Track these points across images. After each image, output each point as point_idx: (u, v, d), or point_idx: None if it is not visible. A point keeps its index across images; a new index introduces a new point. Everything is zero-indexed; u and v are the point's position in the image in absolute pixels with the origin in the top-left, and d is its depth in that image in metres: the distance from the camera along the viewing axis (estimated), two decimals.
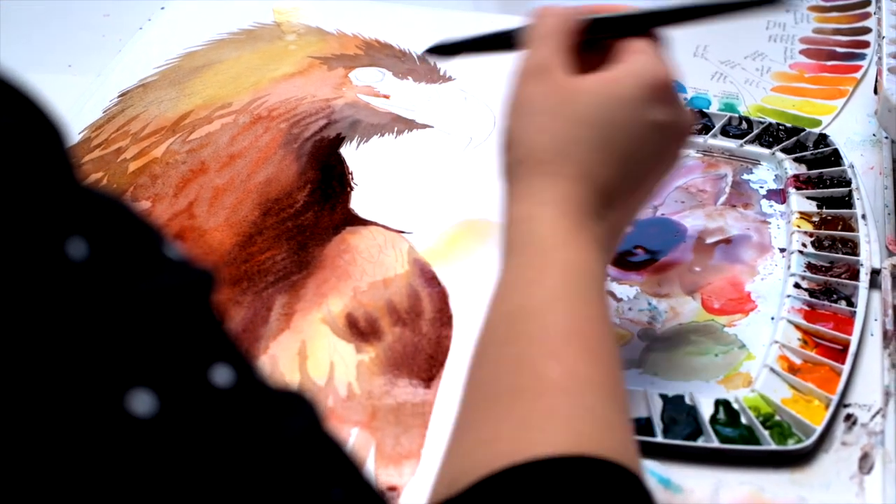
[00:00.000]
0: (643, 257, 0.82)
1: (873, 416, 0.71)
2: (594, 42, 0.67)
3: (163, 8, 1.04)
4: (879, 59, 0.84)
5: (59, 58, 1.01)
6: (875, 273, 0.79)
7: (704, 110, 0.95)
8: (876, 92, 0.96)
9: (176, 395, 0.35)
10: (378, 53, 0.96)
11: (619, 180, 0.61)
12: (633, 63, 0.63)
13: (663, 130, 0.62)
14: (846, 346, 0.74)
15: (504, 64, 0.94)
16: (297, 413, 0.40)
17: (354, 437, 0.67)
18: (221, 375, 0.36)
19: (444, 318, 0.74)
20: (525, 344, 0.54)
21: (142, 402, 0.34)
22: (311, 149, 0.86)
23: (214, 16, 1.01)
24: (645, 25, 0.67)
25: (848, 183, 0.87)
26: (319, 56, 0.95)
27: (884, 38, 0.84)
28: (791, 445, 0.68)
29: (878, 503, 0.66)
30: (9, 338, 0.32)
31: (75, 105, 0.92)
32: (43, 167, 0.35)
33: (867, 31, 1.05)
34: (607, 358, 0.55)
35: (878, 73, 0.94)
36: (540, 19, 0.66)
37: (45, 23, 1.05)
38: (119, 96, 0.93)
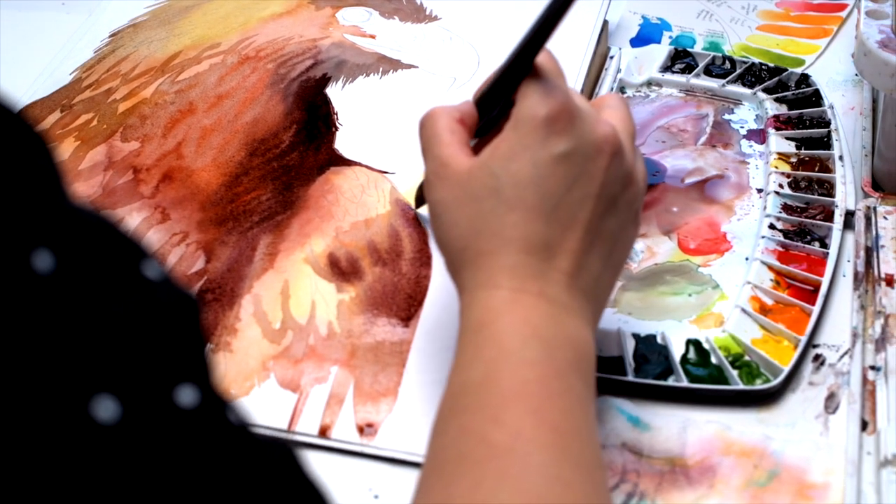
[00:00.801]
0: None
1: (841, 357, 0.73)
2: (499, 114, 0.64)
3: None
4: (860, 3, 0.85)
5: None
6: (849, 214, 0.81)
7: (689, 49, 0.96)
8: None
9: (138, 407, 0.35)
10: None
11: (550, 228, 0.59)
12: (514, 115, 0.61)
13: (571, 158, 0.59)
14: (818, 287, 0.76)
15: (489, 5, 0.96)
16: (263, 454, 0.40)
17: (334, 376, 0.69)
18: (186, 395, 0.37)
19: (423, 258, 0.76)
20: (468, 414, 0.55)
21: (105, 409, 0.35)
22: (298, 89, 0.88)
23: None
24: (520, 69, 0.62)
25: (827, 124, 0.88)
26: None
27: None
28: (758, 385, 0.70)
29: (841, 442, 0.68)
30: None
31: (67, 44, 0.94)
32: (16, 177, 0.35)
33: None
34: (557, 415, 0.55)
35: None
36: (425, 122, 0.65)
37: None
38: (110, 36, 0.94)
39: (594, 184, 0.60)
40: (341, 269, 0.75)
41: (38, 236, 0.35)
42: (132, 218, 0.79)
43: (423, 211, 0.76)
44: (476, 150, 0.63)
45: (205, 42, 0.92)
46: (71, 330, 0.35)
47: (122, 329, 0.36)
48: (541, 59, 0.62)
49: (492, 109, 0.65)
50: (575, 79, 0.89)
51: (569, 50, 0.92)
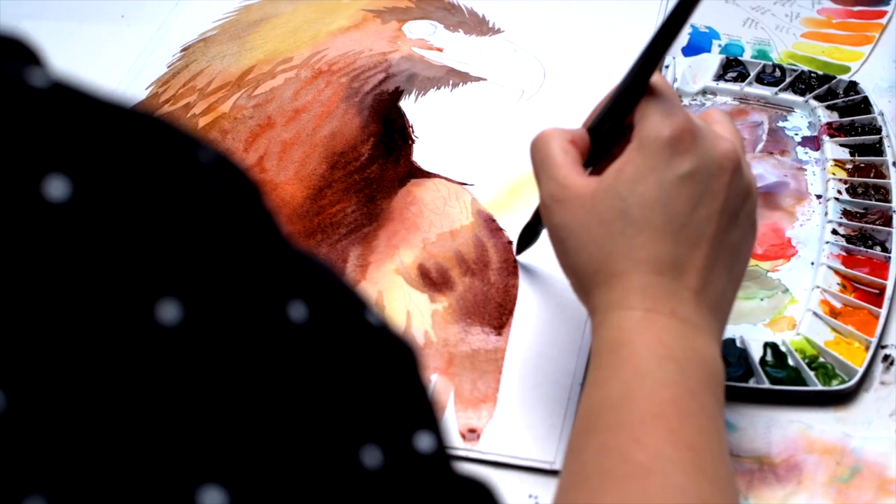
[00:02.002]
0: None
1: None
2: (612, 137, 0.66)
3: None
4: None
5: (112, 8, 1.05)
6: None
7: (739, 58, 0.99)
8: None
9: (395, 454, 0.37)
10: (428, 6, 1.00)
11: (678, 247, 0.61)
12: (636, 135, 0.62)
13: (696, 177, 0.61)
14: (882, 290, 0.80)
15: (550, 15, 0.99)
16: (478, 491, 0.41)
17: (434, 384, 0.73)
18: (424, 442, 0.38)
19: (509, 267, 0.79)
20: (608, 432, 0.57)
21: (371, 457, 0.36)
22: (372, 102, 0.91)
23: None
24: (636, 90, 0.64)
25: (878, 130, 0.92)
26: (372, 9, 0.99)
27: None
28: (836, 386, 0.74)
29: None
30: (239, 393, 0.34)
31: (138, 59, 0.97)
32: (261, 232, 0.37)
33: None
34: (693, 435, 0.56)
35: None
36: (536, 145, 0.66)
37: None
38: (181, 51, 0.97)
39: (718, 200, 0.61)
40: (432, 280, 0.78)
41: (292, 288, 0.37)
42: None
43: (523, 259, 0.79)
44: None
45: (277, 56, 0.95)
46: (328, 379, 0.36)
47: (369, 377, 0.38)
48: (655, 78, 0.63)
49: (604, 134, 0.66)
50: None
51: (628, 59, 0.95)
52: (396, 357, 0.40)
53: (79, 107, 0.35)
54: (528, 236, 0.77)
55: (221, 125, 0.89)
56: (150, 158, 0.35)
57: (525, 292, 0.78)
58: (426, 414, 0.40)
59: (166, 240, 0.34)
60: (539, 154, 0.65)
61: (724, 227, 0.62)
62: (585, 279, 0.62)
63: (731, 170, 0.62)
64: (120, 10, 1.04)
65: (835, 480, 0.70)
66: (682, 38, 1.03)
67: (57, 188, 0.32)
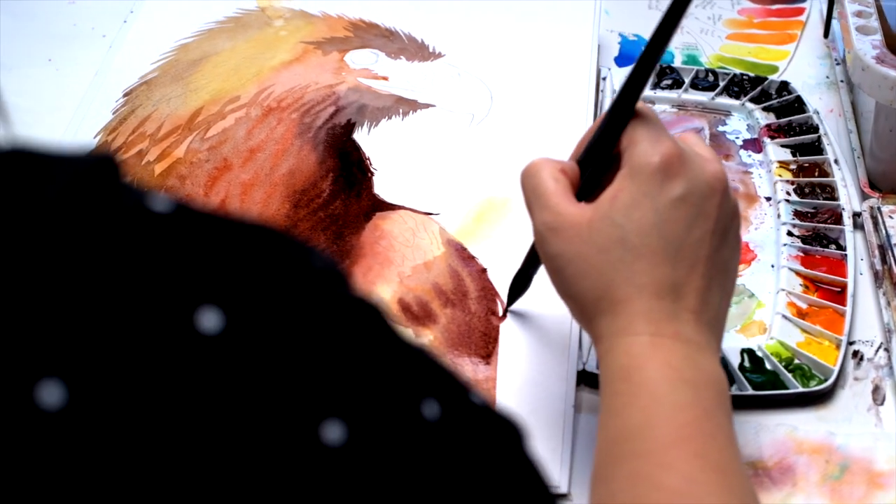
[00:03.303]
0: None
1: (877, 351, 0.80)
2: (602, 167, 0.67)
3: None
4: (839, 14, 0.92)
5: (37, 51, 1.03)
6: (856, 216, 0.88)
7: (672, 65, 1.02)
8: (826, 36, 1.05)
9: None
10: (367, 34, 1.00)
11: (676, 269, 0.62)
12: (626, 162, 0.63)
13: (688, 199, 0.62)
14: (843, 287, 0.83)
15: (489, 37, 1.01)
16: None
17: None
18: None
19: (488, 294, 0.81)
20: (635, 460, 0.58)
21: None
22: (326, 137, 0.91)
23: (196, 3, 1.04)
24: (622, 117, 0.65)
25: (816, 129, 0.95)
26: (311, 41, 1.00)
27: None
28: (815, 387, 0.77)
29: (894, 432, 0.76)
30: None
31: (81, 107, 0.95)
32: (389, 331, 0.39)
33: None
34: (717, 455, 0.58)
35: (828, 18, 1.03)
36: (527, 175, 0.66)
37: (13, 14, 1.06)
38: (124, 96, 0.96)
39: (710, 221, 0.63)
40: (414, 314, 0.79)
41: (425, 387, 0.38)
42: None
43: (516, 307, 0.79)
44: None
45: (224, 95, 0.95)
46: (455, 468, 0.38)
47: (483, 458, 0.39)
48: (638, 105, 0.65)
49: (594, 165, 0.67)
50: (585, 104, 0.95)
51: (570, 74, 0.98)
52: (504, 435, 0.41)
53: (206, 230, 0.35)
54: (520, 284, 0.78)
55: (178, 171, 0.89)
56: (286, 278, 0.35)
57: (506, 321, 0.79)
58: (537, 485, 0.41)
59: (321, 361, 0.35)
60: (530, 184, 0.66)
61: (717, 247, 0.64)
62: (587, 307, 0.64)
63: (721, 190, 0.64)
64: (46, 55, 1.02)
65: (827, 479, 0.73)
66: (612, 48, 1.05)
67: (210, 320, 0.33)
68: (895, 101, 0.85)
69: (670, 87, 1.00)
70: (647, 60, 0.65)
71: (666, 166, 0.62)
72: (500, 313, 0.80)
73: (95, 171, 0.35)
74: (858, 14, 0.90)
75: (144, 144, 0.91)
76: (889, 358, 0.79)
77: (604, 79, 1.00)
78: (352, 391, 0.35)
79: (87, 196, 0.34)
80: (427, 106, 0.95)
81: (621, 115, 0.65)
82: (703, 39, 1.06)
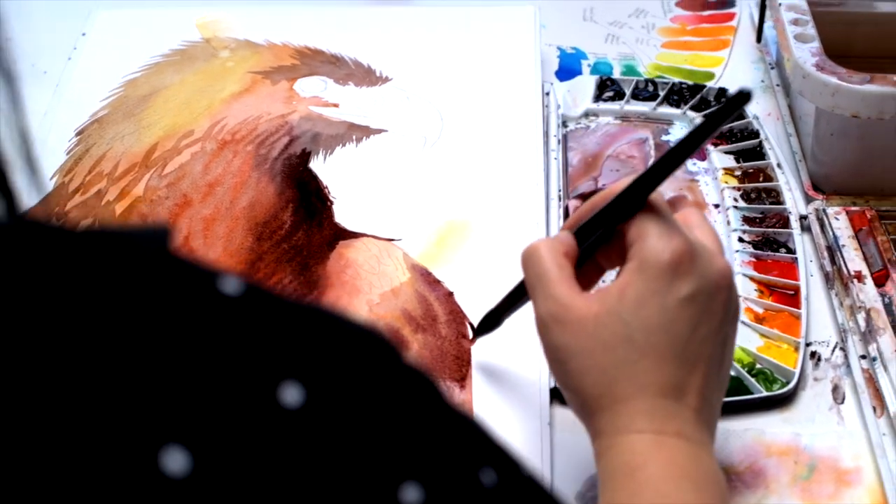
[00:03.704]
0: None
1: (833, 351, 0.83)
2: (598, 244, 0.67)
3: (84, 34, 1.07)
4: (775, 21, 0.95)
5: None
6: (803, 218, 0.91)
7: (612, 77, 1.04)
8: (759, 41, 1.08)
9: None
10: (313, 61, 1.02)
11: (680, 369, 0.62)
12: (635, 257, 0.63)
13: (696, 298, 0.62)
14: (796, 290, 0.86)
15: (433, 59, 1.02)
16: None
17: None
18: None
19: (456, 318, 0.82)
20: None
21: None
22: (283, 167, 0.92)
23: (139, 36, 1.04)
24: (633, 204, 0.64)
25: (756, 134, 0.98)
26: (259, 71, 1.01)
27: (780, 4, 0.95)
28: (778, 390, 0.80)
29: (856, 428, 0.79)
30: None
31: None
32: (442, 404, 0.41)
33: None
34: None
35: (760, 23, 1.06)
36: (529, 259, 0.66)
37: None
38: (76, 135, 0.96)
39: (716, 320, 0.63)
40: None
41: (483, 455, 0.40)
42: None
43: (481, 340, 0.80)
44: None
45: (177, 131, 0.95)
46: None
47: None
48: (653, 195, 0.64)
49: (591, 238, 0.67)
50: (534, 121, 0.97)
51: (517, 91, 1.00)
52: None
53: (276, 311, 0.37)
54: (490, 324, 0.78)
55: (139, 209, 0.90)
56: (353, 352, 0.38)
57: (477, 344, 0.81)
58: None
59: (394, 429, 0.37)
60: (533, 270, 0.65)
61: (720, 343, 0.64)
62: (588, 402, 0.63)
63: (727, 287, 0.64)
64: None
65: (797, 479, 0.76)
66: (552, 62, 1.08)
67: (291, 395, 0.35)
68: (836, 107, 0.88)
69: (613, 99, 1.03)
70: (674, 157, 0.64)
71: (676, 264, 0.61)
72: (470, 337, 0.81)
73: (163, 248, 0.37)
74: (795, 22, 0.93)
75: (103, 184, 0.92)
76: (845, 357, 0.83)
77: (547, 94, 1.03)
78: (424, 456, 0.37)
79: (168, 280, 0.36)
80: (379, 131, 0.96)
81: (632, 204, 0.64)
82: (640, 49, 1.09)
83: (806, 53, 0.90)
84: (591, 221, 0.67)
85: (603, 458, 0.63)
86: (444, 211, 0.90)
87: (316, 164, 0.93)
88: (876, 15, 1.02)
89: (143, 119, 0.97)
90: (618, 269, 0.67)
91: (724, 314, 0.63)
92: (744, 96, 0.60)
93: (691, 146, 0.63)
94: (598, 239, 0.67)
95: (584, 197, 0.94)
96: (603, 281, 0.73)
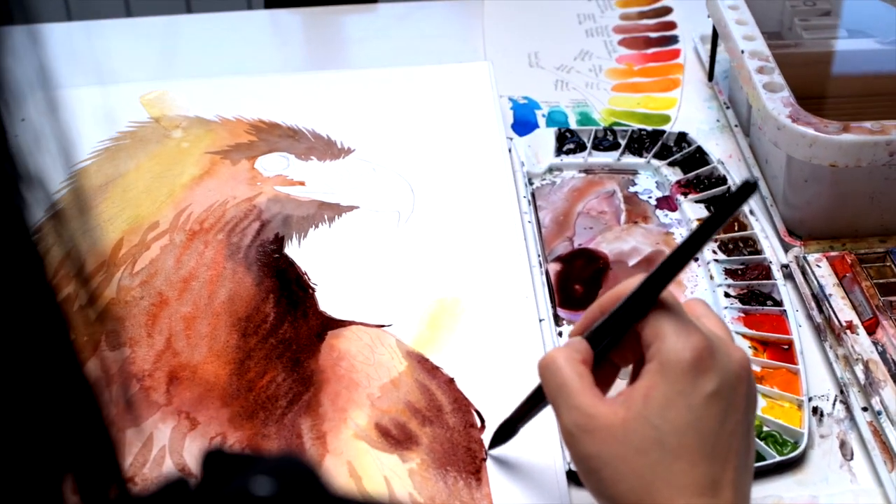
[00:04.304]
0: (583, 295, 0.91)
1: (833, 405, 0.84)
2: (612, 346, 0.67)
3: (23, 120, 1.02)
4: (737, 66, 0.95)
5: None
6: (784, 267, 0.92)
7: (570, 129, 1.03)
8: (710, 79, 1.08)
9: None
10: (270, 136, 0.99)
11: (713, 466, 0.61)
12: (655, 358, 0.62)
13: (721, 393, 0.62)
14: (790, 343, 0.86)
15: (394, 125, 1.00)
16: None
17: None
18: None
19: (461, 406, 0.81)
20: None
21: None
22: (257, 255, 0.90)
23: (83, 119, 1.00)
24: (644, 304, 0.64)
25: (724, 180, 0.98)
26: (217, 151, 0.97)
27: (743, 52, 0.95)
28: (790, 453, 0.80)
29: (869, 485, 0.79)
30: None
31: None
32: None
33: (668, 10, 1.16)
34: None
35: (711, 61, 1.06)
36: (547, 370, 0.65)
37: None
38: (33, 234, 0.92)
39: (740, 412, 0.63)
40: (395, 438, 0.79)
41: None
42: (162, 430, 0.80)
43: (496, 452, 0.78)
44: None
45: (141, 223, 0.92)
46: None
47: None
48: (664, 293, 0.64)
49: (605, 341, 0.66)
50: (505, 182, 0.95)
51: (482, 152, 0.98)
52: None
53: None
54: (505, 433, 0.77)
55: (114, 313, 0.86)
56: None
57: (486, 434, 0.80)
58: None
59: None
60: (554, 382, 0.65)
61: (745, 433, 0.64)
62: None
63: (747, 378, 0.64)
64: None
65: None
66: (506, 114, 1.06)
67: None
68: (814, 158, 0.88)
69: (573, 151, 1.02)
70: (683, 254, 0.64)
71: (697, 362, 0.61)
72: (483, 452, 0.78)
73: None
74: (760, 70, 0.93)
75: (71, 288, 0.88)
76: (847, 410, 0.83)
77: (509, 150, 1.01)
78: None
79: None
80: (351, 208, 0.94)
81: (642, 305, 0.64)
82: (591, 94, 1.08)
83: (779, 104, 0.90)
84: (604, 324, 0.66)
85: None
86: (431, 290, 0.88)
87: (291, 250, 0.91)
88: (832, 53, 1.03)
89: (102, 212, 0.93)
90: (631, 366, 0.67)
91: (746, 404, 0.64)
92: (749, 187, 0.60)
93: (699, 242, 0.64)
94: (612, 341, 0.66)
95: (561, 259, 0.93)
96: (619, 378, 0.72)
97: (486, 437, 0.79)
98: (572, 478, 0.78)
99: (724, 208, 0.62)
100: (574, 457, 0.65)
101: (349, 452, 0.78)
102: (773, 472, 0.80)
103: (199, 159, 0.97)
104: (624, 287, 0.66)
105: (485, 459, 0.77)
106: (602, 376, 0.67)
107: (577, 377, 0.64)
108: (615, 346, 0.66)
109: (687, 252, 0.64)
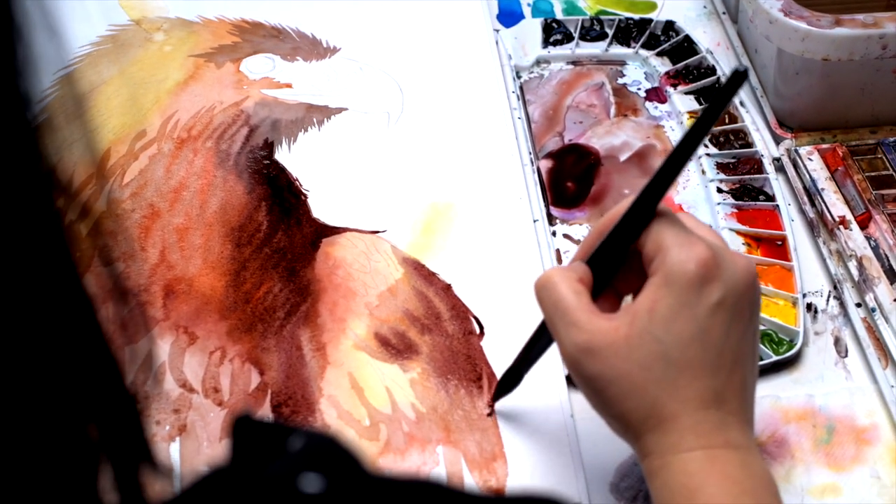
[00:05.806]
0: (575, 192, 0.91)
1: (828, 301, 0.84)
2: (614, 268, 0.65)
3: None
4: None
5: None
6: (776, 160, 0.91)
7: (557, 19, 1.02)
8: None
9: None
10: (254, 36, 0.97)
11: (717, 377, 0.61)
12: (659, 270, 0.61)
13: (726, 302, 0.60)
14: (783, 239, 0.87)
15: (379, 21, 0.99)
16: None
17: (442, 455, 0.75)
18: None
19: (459, 313, 0.81)
20: None
21: None
22: (248, 162, 0.89)
23: (62, 23, 0.98)
24: (642, 217, 0.63)
25: (713, 70, 0.97)
26: (200, 54, 0.96)
27: None
28: (786, 353, 0.81)
29: (864, 382, 0.80)
30: None
31: None
32: None
33: None
34: None
35: None
36: (543, 289, 0.64)
37: None
38: None
39: (745, 320, 0.62)
40: (395, 348, 0.79)
41: None
42: (161, 346, 0.80)
43: (499, 405, 0.77)
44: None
45: (128, 132, 0.90)
46: None
47: None
48: (661, 206, 0.62)
49: (606, 263, 0.65)
50: (493, 79, 0.94)
51: (470, 47, 0.97)
52: None
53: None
54: (510, 382, 0.75)
55: (105, 227, 0.85)
56: None
57: (486, 341, 0.80)
58: None
59: None
60: (550, 300, 0.63)
61: (750, 341, 0.63)
62: (632, 425, 0.62)
63: (753, 285, 0.63)
64: None
65: (819, 444, 0.77)
66: (492, 7, 1.04)
67: None
68: (806, 52, 0.87)
69: (561, 43, 1.01)
70: (674, 167, 0.62)
71: (703, 272, 0.60)
72: (486, 408, 0.77)
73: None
74: None
75: (60, 202, 0.87)
76: (841, 306, 0.84)
77: (497, 43, 1.00)
78: None
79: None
80: (340, 110, 0.93)
81: (641, 217, 0.63)
82: None
83: None
84: (603, 246, 0.65)
85: (656, 478, 0.62)
86: (425, 194, 0.88)
87: (281, 155, 0.90)
88: None
89: (87, 122, 0.92)
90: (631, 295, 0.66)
91: (751, 312, 0.63)
92: (739, 76, 0.58)
93: (694, 142, 0.61)
94: (614, 264, 0.65)
95: (553, 156, 0.93)
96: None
97: (486, 343, 0.80)
98: (571, 382, 0.78)
99: (716, 103, 0.60)
100: (577, 378, 0.64)
101: (350, 364, 0.79)
102: (770, 371, 0.81)
103: (182, 63, 0.95)
104: (620, 207, 0.65)
105: (490, 414, 0.76)
106: (605, 305, 0.66)
107: (574, 294, 0.62)
108: (617, 268, 0.65)
109: (680, 158, 0.62)
